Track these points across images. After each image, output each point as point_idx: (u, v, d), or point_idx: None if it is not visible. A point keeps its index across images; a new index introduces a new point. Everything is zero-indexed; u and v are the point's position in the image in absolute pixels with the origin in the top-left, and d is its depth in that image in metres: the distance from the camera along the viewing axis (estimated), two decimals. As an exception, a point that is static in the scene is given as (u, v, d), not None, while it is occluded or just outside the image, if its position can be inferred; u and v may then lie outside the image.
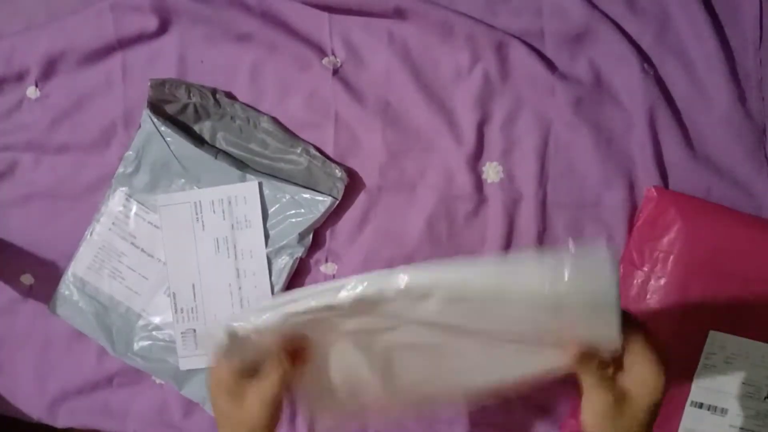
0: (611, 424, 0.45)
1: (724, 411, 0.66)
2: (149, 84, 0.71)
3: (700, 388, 0.66)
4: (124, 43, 0.74)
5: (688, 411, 0.66)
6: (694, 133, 0.68)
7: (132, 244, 0.74)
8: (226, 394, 0.49)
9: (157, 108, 0.72)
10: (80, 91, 0.75)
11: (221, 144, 0.73)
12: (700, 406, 0.66)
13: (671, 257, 0.65)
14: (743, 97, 0.67)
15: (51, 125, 0.76)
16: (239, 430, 0.49)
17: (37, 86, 0.76)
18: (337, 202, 0.70)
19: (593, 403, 0.46)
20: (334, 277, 0.72)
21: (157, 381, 0.76)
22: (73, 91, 0.76)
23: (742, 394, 0.66)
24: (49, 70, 0.75)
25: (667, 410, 0.66)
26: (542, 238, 0.69)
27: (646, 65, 0.67)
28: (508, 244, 0.69)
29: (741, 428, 0.66)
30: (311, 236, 0.71)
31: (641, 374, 0.45)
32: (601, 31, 0.67)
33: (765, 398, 0.65)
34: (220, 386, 0.49)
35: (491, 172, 0.70)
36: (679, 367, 0.66)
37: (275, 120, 0.71)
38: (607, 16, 0.68)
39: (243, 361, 0.48)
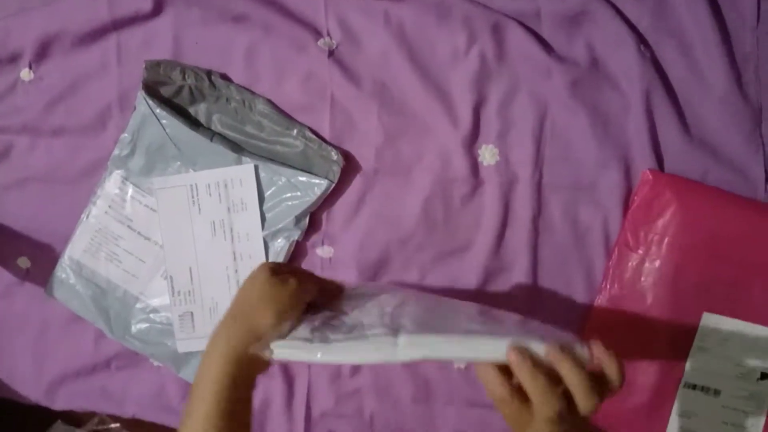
0: None
1: (717, 392, 0.66)
2: (144, 66, 0.71)
3: (694, 370, 0.66)
4: (119, 25, 0.73)
5: (682, 392, 0.66)
6: (690, 115, 0.68)
7: (128, 227, 0.74)
8: (273, 274, 0.52)
9: (152, 90, 0.72)
10: (75, 73, 0.75)
11: (216, 126, 0.72)
12: (694, 387, 0.66)
13: (666, 240, 0.65)
14: (740, 79, 0.67)
15: (46, 108, 0.76)
16: (277, 306, 0.51)
17: (31, 68, 0.76)
18: (333, 185, 0.70)
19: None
20: (330, 260, 0.72)
21: (155, 364, 0.76)
22: (68, 73, 0.75)
23: (736, 375, 0.66)
24: (42, 52, 0.75)
25: (661, 392, 0.67)
26: (537, 221, 0.69)
27: (642, 47, 0.67)
28: (503, 226, 0.69)
29: (734, 409, 0.66)
30: (307, 219, 0.71)
31: None
32: (598, 13, 0.67)
33: (758, 379, 0.66)
34: (266, 268, 0.54)
35: (487, 154, 0.70)
36: (673, 348, 0.66)
37: (271, 102, 0.71)
38: (604, -3, 0.67)
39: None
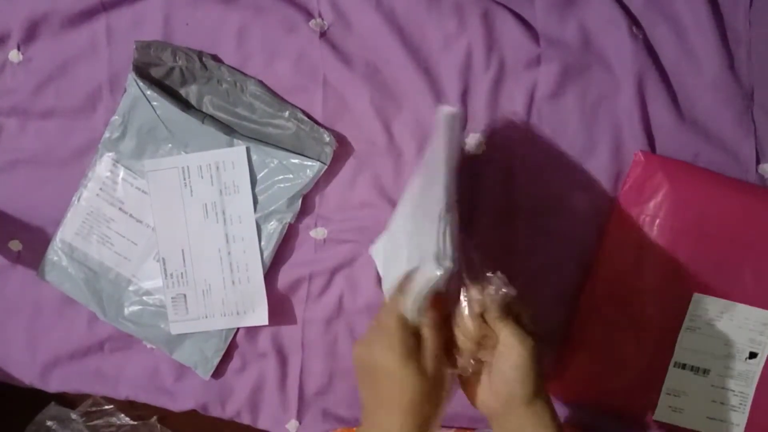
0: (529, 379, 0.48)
1: (706, 372, 0.67)
2: (134, 47, 0.70)
3: (684, 349, 0.67)
4: (108, 5, 0.73)
5: (672, 372, 0.67)
6: (682, 97, 0.68)
7: (120, 209, 0.74)
8: (409, 355, 0.47)
9: (142, 71, 0.72)
10: (64, 54, 0.74)
11: (208, 108, 0.72)
12: (683, 366, 0.67)
13: (657, 221, 0.66)
14: (732, 61, 0.67)
15: (35, 90, 0.75)
16: (419, 396, 0.47)
17: (19, 50, 0.75)
18: (326, 167, 0.69)
19: (510, 356, 0.48)
20: (324, 242, 0.73)
21: (149, 346, 0.77)
22: (57, 54, 0.74)
23: (725, 355, 0.67)
24: (31, 33, 0.74)
25: (651, 371, 0.67)
26: (525, 208, 0.69)
27: (635, 28, 0.67)
28: (489, 215, 0.70)
29: (723, 388, 0.67)
30: (300, 201, 0.71)
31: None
32: (592, -7, 0.67)
33: (746, 359, 0.67)
34: (404, 348, 0.47)
35: (474, 143, 0.69)
36: (663, 328, 0.67)
37: (262, 84, 0.71)
38: (597, -22, 0.67)
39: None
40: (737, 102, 0.67)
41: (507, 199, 0.69)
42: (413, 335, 0.48)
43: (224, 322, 0.73)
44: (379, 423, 0.48)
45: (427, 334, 0.49)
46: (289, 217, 0.71)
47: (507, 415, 0.49)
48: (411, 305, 0.48)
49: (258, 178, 0.71)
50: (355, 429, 0.51)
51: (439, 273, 0.46)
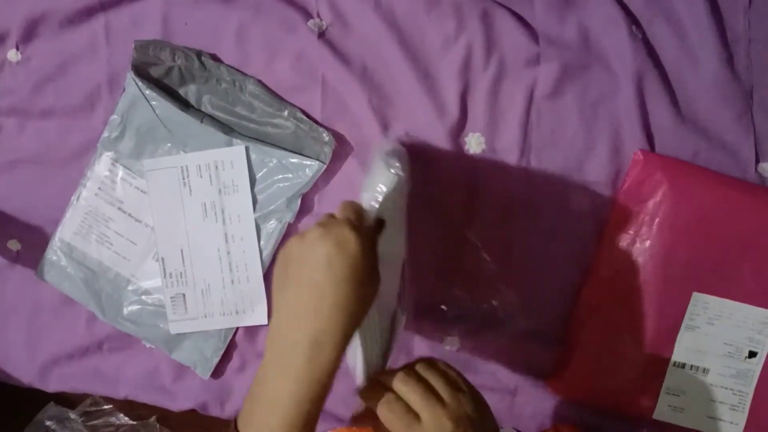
0: None
1: (705, 371, 0.67)
2: (133, 46, 0.70)
3: (683, 349, 0.67)
4: (107, 5, 0.73)
5: (671, 371, 0.67)
6: (681, 96, 0.68)
7: (119, 209, 0.74)
8: (373, 244, 0.46)
9: (141, 71, 0.71)
10: (63, 54, 0.74)
11: (207, 108, 0.72)
12: (683, 366, 0.67)
13: (657, 220, 0.66)
14: (731, 60, 0.67)
15: (34, 89, 0.75)
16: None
17: (18, 49, 0.75)
18: (325, 166, 0.69)
19: None
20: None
21: (148, 345, 0.77)
22: (56, 54, 0.74)
23: (724, 354, 0.67)
24: (30, 32, 0.74)
25: (650, 370, 0.67)
26: (526, 207, 0.69)
27: (634, 27, 0.67)
28: (489, 214, 0.70)
29: (722, 387, 0.67)
30: (299, 201, 0.71)
31: None
32: (591, -7, 0.67)
33: (746, 358, 0.67)
34: (368, 234, 0.45)
35: (473, 143, 0.69)
36: (663, 328, 0.67)
37: (261, 83, 0.71)
38: (597, -23, 0.67)
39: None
40: (736, 101, 0.67)
41: (507, 199, 0.69)
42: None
43: (223, 322, 0.73)
44: (316, 325, 0.44)
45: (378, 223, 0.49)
46: (288, 217, 0.71)
47: None
48: (372, 198, 0.50)
49: (257, 177, 0.71)
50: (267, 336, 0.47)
51: (394, 172, 0.50)
